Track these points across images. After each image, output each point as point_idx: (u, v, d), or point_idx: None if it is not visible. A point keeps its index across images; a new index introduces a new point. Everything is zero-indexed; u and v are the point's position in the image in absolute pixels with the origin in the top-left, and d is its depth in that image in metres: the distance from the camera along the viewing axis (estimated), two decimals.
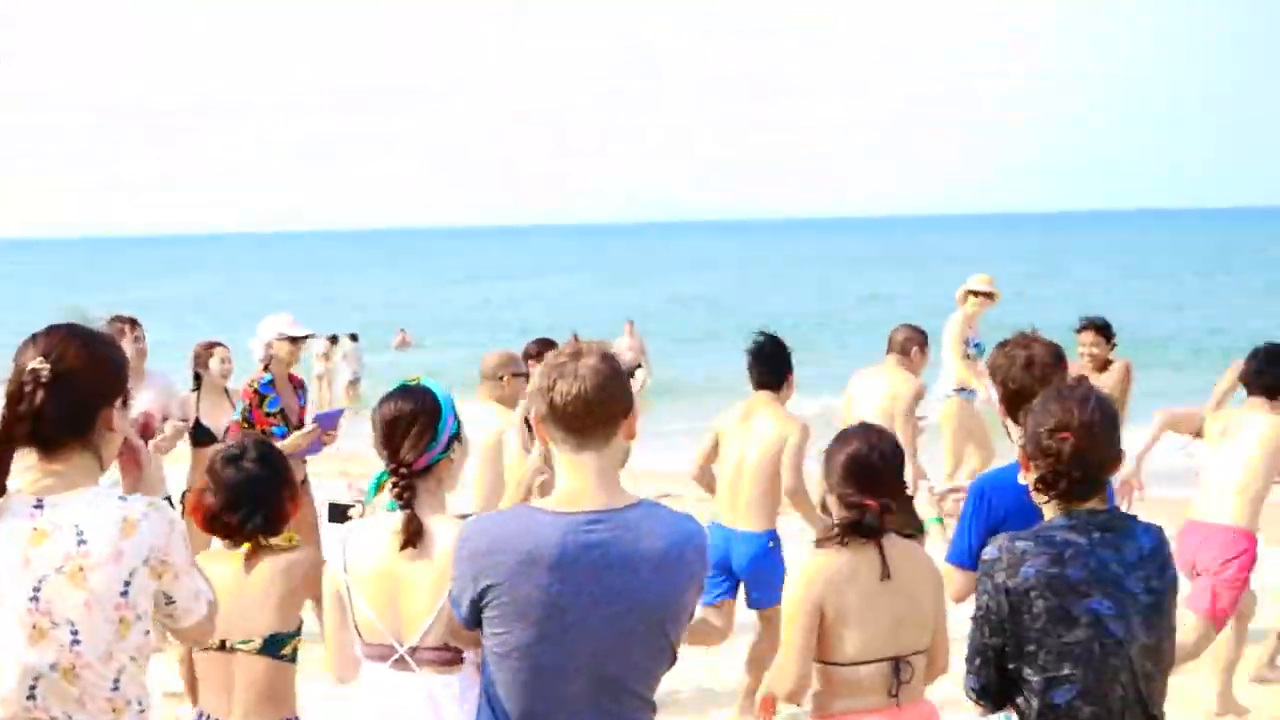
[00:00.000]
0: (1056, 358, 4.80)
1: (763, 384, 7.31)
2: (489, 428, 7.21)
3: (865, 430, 4.26)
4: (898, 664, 4.06)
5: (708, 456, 7.50)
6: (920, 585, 4.12)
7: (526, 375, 7.43)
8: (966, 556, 4.46)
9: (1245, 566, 6.81)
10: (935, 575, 4.23)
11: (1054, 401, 3.47)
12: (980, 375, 9.98)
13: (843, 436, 4.25)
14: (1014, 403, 4.48)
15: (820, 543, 4.16)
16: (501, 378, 7.47)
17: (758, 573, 7.15)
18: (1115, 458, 3.49)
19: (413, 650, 3.67)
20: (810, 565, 4.12)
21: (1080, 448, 3.40)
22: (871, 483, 4.10)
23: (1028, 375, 4.61)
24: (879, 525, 4.08)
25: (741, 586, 7.32)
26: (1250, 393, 6.93)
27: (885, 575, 4.07)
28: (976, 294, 10.18)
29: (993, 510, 4.50)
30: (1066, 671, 3.37)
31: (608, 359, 3.29)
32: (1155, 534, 3.51)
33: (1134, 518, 3.52)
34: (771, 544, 7.20)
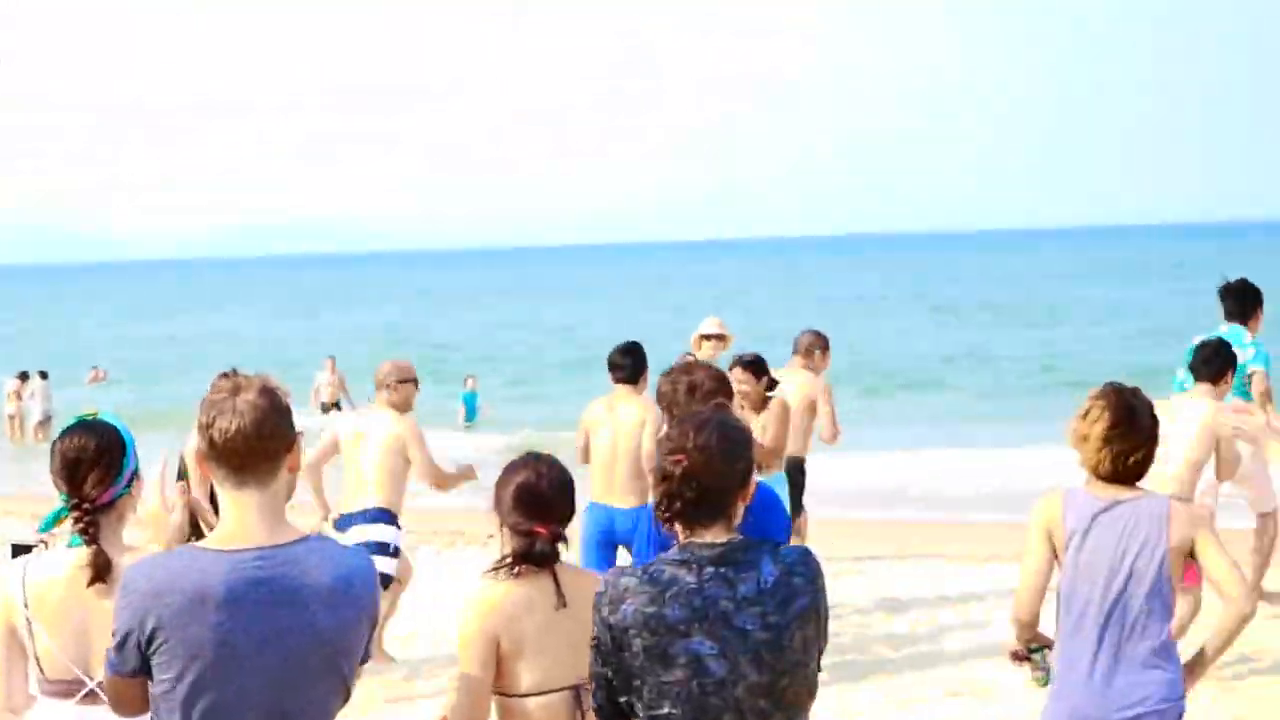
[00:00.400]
0: (719, 383, 5.13)
1: (623, 379, 8.47)
2: (388, 430, 8.50)
3: (534, 459, 4.26)
4: (578, 692, 4.03)
5: (589, 447, 8.48)
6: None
7: (415, 382, 8.76)
8: None
9: None
10: None
11: (675, 427, 3.46)
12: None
13: (511, 467, 4.24)
14: None
15: (491, 572, 4.12)
16: (390, 385, 8.61)
17: (639, 539, 7.74)
18: (737, 485, 3.40)
19: (103, 684, 3.63)
20: (482, 596, 4.08)
21: (692, 471, 3.34)
22: (541, 510, 4.11)
23: (691, 401, 4.89)
24: (551, 553, 4.10)
25: (620, 552, 8.23)
26: (1197, 379, 7.98)
27: (561, 603, 4.07)
28: (708, 338, 10.21)
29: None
30: (667, 710, 3.31)
31: (267, 393, 3.26)
32: (786, 562, 3.36)
33: (767, 545, 3.40)
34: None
